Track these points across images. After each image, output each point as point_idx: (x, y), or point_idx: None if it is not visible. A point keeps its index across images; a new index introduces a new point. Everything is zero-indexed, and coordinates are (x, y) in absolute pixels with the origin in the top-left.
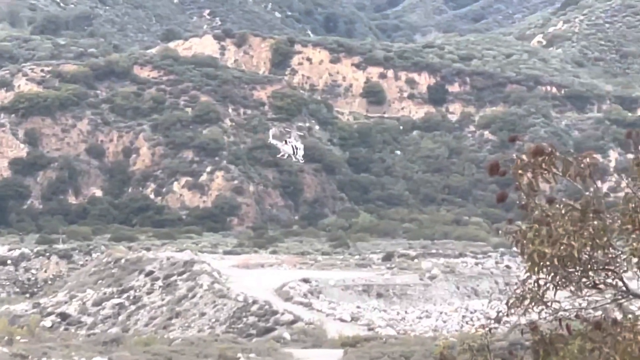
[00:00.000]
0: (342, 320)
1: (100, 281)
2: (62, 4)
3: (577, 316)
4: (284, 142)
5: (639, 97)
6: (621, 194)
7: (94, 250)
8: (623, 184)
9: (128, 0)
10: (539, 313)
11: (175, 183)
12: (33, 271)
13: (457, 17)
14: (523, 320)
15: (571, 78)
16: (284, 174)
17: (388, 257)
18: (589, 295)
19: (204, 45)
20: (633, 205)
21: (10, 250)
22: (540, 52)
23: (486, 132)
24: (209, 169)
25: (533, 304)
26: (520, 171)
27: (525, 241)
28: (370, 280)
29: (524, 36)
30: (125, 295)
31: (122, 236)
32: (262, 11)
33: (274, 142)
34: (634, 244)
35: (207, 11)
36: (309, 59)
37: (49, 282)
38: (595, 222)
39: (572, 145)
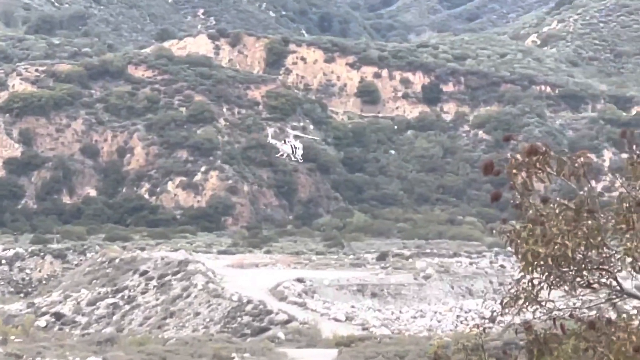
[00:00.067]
0: (336, 319)
1: (94, 281)
2: (56, 4)
3: (571, 316)
4: (283, 141)
5: (633, 96)
6: (615, 194)
7: (88, 250)
8: (617, 184)
9: None
10: (533, 312)
11: (170, 183)
12: (27, 271)
13: (451, 16)
14: (517, 320)
15: (565, 77)
16: (278, 173)
17: (382, 257)
18: (583, 295)
19: (198, 45)
20: (627, 204)
21: (4, 250)
22: (535, 51)
23: (480, 132)
24: (203, 168)
25: (527, 303)
26: (514, 171)
27: (519, 241)
28: (365, 280)
29: (518, 36)
30: (119, 295)
31: (117, 236)
32: (257, 11)
33: (273, 141)
34: (628, 243)
35: (202, 11)
36: (303, 59)
37: (44, 282)
38: (590, 222)
39: (567, 144)
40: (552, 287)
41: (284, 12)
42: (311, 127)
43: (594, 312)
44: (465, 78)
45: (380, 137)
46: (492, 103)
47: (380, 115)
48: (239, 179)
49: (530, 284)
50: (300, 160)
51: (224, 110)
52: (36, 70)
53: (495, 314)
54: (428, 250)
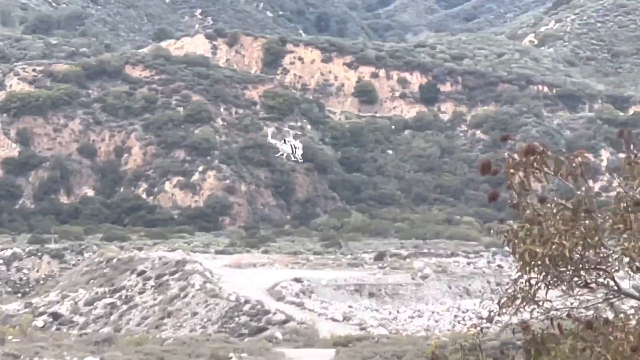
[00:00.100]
0: (334, 319)
1: (92, 281)
2: (53, 4)
3: (568, 315)
4: (282, 141)
5: (631, 96)
6: (613, 194)
7: (85, 250)
8: (615, 184)
9: None
10: (531, 312)
11: (167, 183)
12: (25, 271)
13: (448, 16)
14: (515, 320)
15: (563, 77)
16: (275, 173)
17: (380, 257)
18: (580, 295)
19: (196, 45)
20: (624, 204)
21: (2, 249)
22: (532, 51)
23: (478, 132)
24: (200, 168)
25: (525, 303)
26: (512, 170)
27: (516, 240)
28: (362, 280)
29: (515, 35)
30: (117, 295)
31: (114, 236)
32: (254, 10)
33: (272, 141)
34: (625, 243)
35: (199, 10)
36: (300, 59)
37: (41, 282)
38: (587, 222)
39: (564, 144)
40: (549, 286)
41: (281, 12)
42: (309, 127)
43: (591, 312)
44: (462, 78)
45: (377, 137)
46: (489, 103)
47: (377, 115)
48: (237, 178)
49: (527, 283)
50: (300, 160)
51: (222, 110)
52: (33, 70)
53: (492, 313)
54: (425, 250)
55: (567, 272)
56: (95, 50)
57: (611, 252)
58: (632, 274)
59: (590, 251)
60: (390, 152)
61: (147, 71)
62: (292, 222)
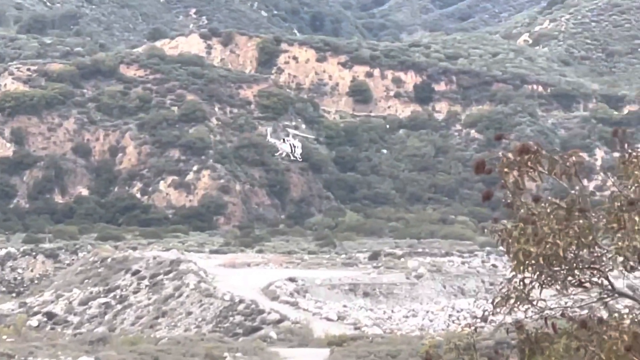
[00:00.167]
0: (328, 319)
1: (86, 280)
2: (48, 3)
3: (562, 315)
4: (282, 140)
5: (625, 95)
6: (607, 193)
7: (80, 249)
8: (609, 183)
9: None
10: (525, 312)
11: (162, 182)
12: (19, 270)
13: (443, 15)
14: (509, 319)
15: (557, 77)
16: (270, 173)
17: (374, 256)
18: (574, 294)
19: (190, 44)
20: (619, 204)
21: None
22: (527, 50)
23: (472, 131)
24: (195, 168)
25: (519, 302)
26: (506, 170)
27: (510, 240)
28: (357, 279)
29: (510, 35)
30: (111, 295)
31: (109, 235)
32: (249, 10)
33: (272, 140)
34: (620, 242)
35: (194, 10)
36: (295, 58)
37: (36, 282)
38: (581, 221)
39: (559, 143)
40: (543, 286)
41: (275, 12)
42: (303, 126)
43: (585, 311)
44: (457, 77)
45: (372, 136)
46: (484, 102)
47: (372, 114)
48: (231, 178)
49: (521, 283)
50: (299, 159)
51: (216, 109)
52: (28, 69)
53: (486, 313)
54: (420, 250)
55: (561, 272)
56: (90, 49)
57: (605, 251)
58: (626, 273)
59: (585, 250)
60: (384, 151)
61: (142, 71)
62: (287, 222)
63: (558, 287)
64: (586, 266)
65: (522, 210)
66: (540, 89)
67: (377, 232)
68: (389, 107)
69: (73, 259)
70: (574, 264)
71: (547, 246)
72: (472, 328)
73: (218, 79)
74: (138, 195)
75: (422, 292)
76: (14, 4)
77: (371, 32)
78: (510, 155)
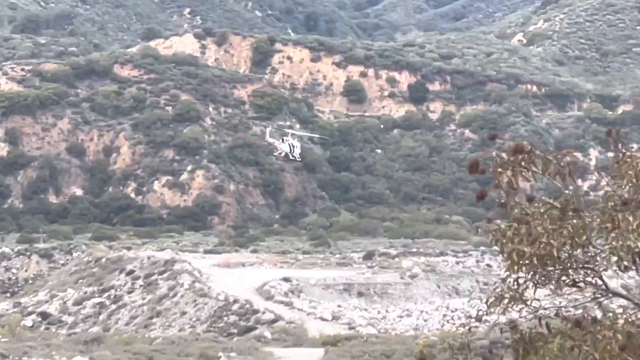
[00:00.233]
0: (323, 319)
1: (81, 280)
2: (42, 3)
3: (556, 314)
4: (281, 140)
5: (619, 95)
6: (601, 193)
7: (74, 249)
8: (603, 183)
9: None
10: (519, 311)
11: (156, 182)
12: (14, 270)
13: (437, 15)
14: (503, 319)
15: (551, 76)
16: (264, 172)
17: (369, 256)
18: (568, 294)
19: (185, 44)
20: (613, 203)
21: None
22: (521, 50)
23: (467, 131)
24: (189, 167)
25: (513, 302)
26: (500, 169)
27: (504, 240)
28: (351, 279)
29: (504, 35)
30: (106, 295)
31: (103, 235)
32: (243, 10)
33: (271, 140)
34: (614, 242)
35: (188, 10)
36: (289, 58)
37: (30, 282)
38: (575, 221)
39: (553, 143)
40: (537, 286)
41: (270, 12)
42: (297, 126)
43: (579, 311)
44: (451, 77)
45: (366, 136)
46: (478, 102)
47: (366, 114)
48: (225, 178)
49: (515, 283)
50: (298, 159)
51: (210, 109)
52: (22, 69)
53: (481, 313)
54: (414, 250)
55: (555, 271)
56: (84, 49)
57: (599, 251)
58: (620, 273)
59: (578, 250)
60: (379, 151)
61: (136, 70)
62: (281, 222)
63: (552, 286)
64: (580, 266)
65: (516, 210)
66: (535, 88)
67: (372, 232)
68: (383, 107)
69: (67, 259)
70: (568, 264)
71: (541, 246)
72: (467, 328)
73: (212, 79)
74: (132, 195)
75: (416, 292)
76: (7, 3)
77: (365, 32)
78: (504, 155)
